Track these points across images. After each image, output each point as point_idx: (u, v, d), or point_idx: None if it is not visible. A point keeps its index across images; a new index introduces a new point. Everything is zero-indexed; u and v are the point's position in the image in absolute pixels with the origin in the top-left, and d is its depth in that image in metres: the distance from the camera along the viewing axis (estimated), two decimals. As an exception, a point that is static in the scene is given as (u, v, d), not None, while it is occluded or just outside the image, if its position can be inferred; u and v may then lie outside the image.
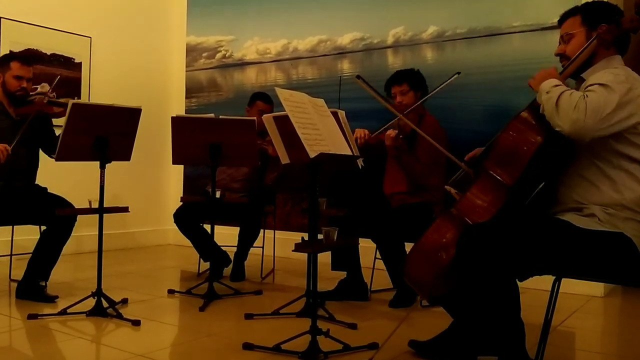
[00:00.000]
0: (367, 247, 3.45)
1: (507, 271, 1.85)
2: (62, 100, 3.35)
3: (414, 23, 4.57)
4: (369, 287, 3.59)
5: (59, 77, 3.47)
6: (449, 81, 3.31)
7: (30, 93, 3.39)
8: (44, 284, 3.36)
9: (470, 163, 2.27)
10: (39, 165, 3.56)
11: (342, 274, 3.54)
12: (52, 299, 3.26)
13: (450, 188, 2.23)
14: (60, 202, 3.34)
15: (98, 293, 3.01)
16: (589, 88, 1.87)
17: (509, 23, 4.14)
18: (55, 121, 3.52)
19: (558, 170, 2.05)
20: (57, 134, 3.49)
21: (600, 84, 1.85)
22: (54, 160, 3.05)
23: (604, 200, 1.93)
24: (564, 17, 2.14)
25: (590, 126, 1.79)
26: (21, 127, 3.21)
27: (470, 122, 3.82)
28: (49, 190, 3.48)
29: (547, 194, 2.10)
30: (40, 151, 3.55)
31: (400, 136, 3.29)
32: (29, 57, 3.49)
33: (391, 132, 3.29)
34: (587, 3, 2.13)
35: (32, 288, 3.28)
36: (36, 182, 3.53)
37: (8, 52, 4.43)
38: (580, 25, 2.06)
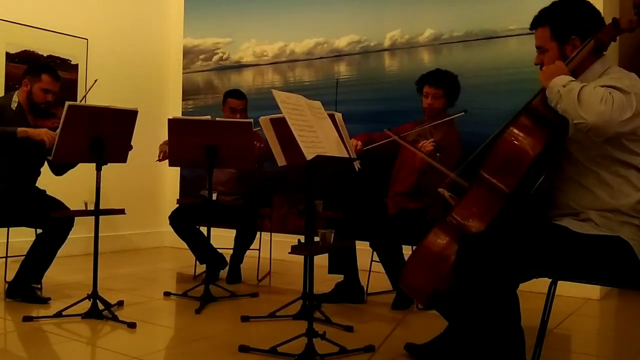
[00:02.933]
0: (363, 250, 3.45)
1: (508, 280, 1.83)
2: None
3: (410, 26, 4.58)
4: (365, 290, 3.59)
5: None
6: (455, 116, 3.33)
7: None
8: (38, 286, 3.35)
9: (464, 170, 2.22)
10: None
11: (339, 277, 3.54)
12: (45, 301, 3.25)
13: (444, 191, 2.21)
14: (56, 205, 3.33)
15: (94, 295, 3.00)
16: (605, 87, 1.81)
17: (505, 26, 4.15)
18: None
19: (554, 173, 2.04)
20: None
21: (617, 87, 1.80)
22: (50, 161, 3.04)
23: (600, 206, 1.92)
24: (533, 24, 2.08)
25: (615, 122, 1.74)
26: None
27: (467, 124, 3.81)
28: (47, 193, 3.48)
29: (544, 197, 2.08)
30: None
31: (438, 154, 3.08)
32: (58, 72, 3.49)
33: (429, 145, 3.11)
34: (555, 9, 2.03)
35: (23, 289, 3.27)
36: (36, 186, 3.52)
37: (4, 54, 4.41)
38: (551, 41, 2.01)
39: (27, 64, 4.08)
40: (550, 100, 1.90)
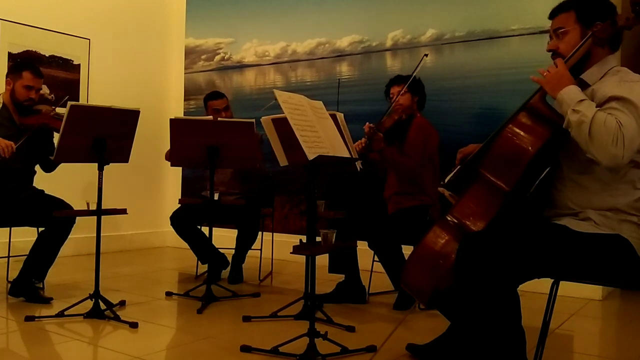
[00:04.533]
0: (365, 250, 3.45)
1: (508, 279, 1.82)
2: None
3: (412, 26, 4.58)
4: (367, 290, 3.59)
5: (67, 97, 3.46)
6: (419, 65, 3.40)
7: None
8: (41, 285, 3.35)
9: (464, 164, 2.22)
10: (38, 168, 3.55)
11: (341, 277, 3.54)
12: (47, 300, 3.26)
13: (444, 190, 2.20)
14: (58, 204, 3.34)
15: (96, 295, 3.01)
16: (614, 106, 1.79)
17: (507, 26, 4.15)
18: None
19: (552, 172, 2.03)
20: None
21: (625, 100, 1.78)
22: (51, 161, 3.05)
23: (599, 205, 1.91)
24: (556, 11, 2.06)
25: (627, 158, 1.76)
26: (24, 135, 3.21)
27: (467, 125, 3.82)
28: (46, 192, 3.48)
29: (543, 197, 2.08)
30: None
31: (375, 126, 3.30)
32: (39, 68, 3.49)
33: (367, 125, 3.32)
34: None
35: (26, 287, 3.28)
36: (33, 185, 3.52)
37: (6, 54, 4.42)
38: (575, 23, 1.99)
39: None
40: (559, 111, 1.90)
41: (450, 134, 3.86)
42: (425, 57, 3.39)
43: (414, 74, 3.42)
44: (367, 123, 3.33)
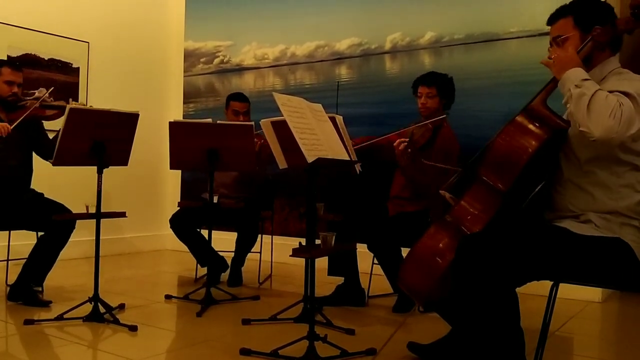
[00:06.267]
0: (365, 253, 3.45)
1: (507, 280, 1.82)
2: (55, 103, 3.35)
3: (411, 29, 4.58)
4: (366, 293, 3.58)
5: (52, 88, 3.46)
6: (434, 120, 3.33)
7: (26, 98, 3.40)
8: (40, 289, 3.35)
9: (465, 166, 2.22)
10: (36, 171, 3.55)
11: (340, 279, 3.54)
12: (46, 304, 3.25)
13: (445, 192, 2.21)
14: (58, 208, 3.34)
15: (95, 298, 3.00)
16: (617, 94, 1.79)
17: (506, 28, 4.15)
18: (49, 124, 3.51)
19: (552, 174, 2.04)
20: (50, 137, 3.49)
21: (626, 93, 1.78)
22: (50, 165, 3.04)
23: (599, 208, 1.91)
24: (554, 18, 2.06)
25: (620, 135, 1.74)
26: (14, 132, 3.21)
27: (467, 127, 3.81)
28: (46, 196, 3.48)
29: (543, 199, 2.08)
30: (35, 157, 3.53)
31: (409, 149, 3.15)
32: (19, 62, 3.49)
33: (400, 145, 3.15)
34: (578, 2, 2.04)
35: (25, 291, 3.27)
36: (31, 188, 3.51)
37: (5, 57, 4.43)
38: (573, 28, 2.00)
39: (28, 67, 4.10)
40: (562, 92, 1.89)
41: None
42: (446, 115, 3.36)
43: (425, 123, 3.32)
44: (400, 140, 3.15)
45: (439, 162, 3.21)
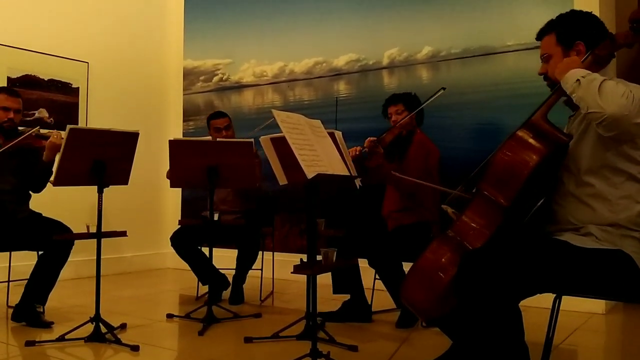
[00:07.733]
0: (367, 268, 3.44)
1: (509, 295, 1.81)
2: (48, 133, 3.34)
3: (408, 44, 4.61)
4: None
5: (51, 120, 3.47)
6: (434, 97, 3.41)
7: (26, 119, 3.39)
8: (41, 309, 3.33)
9: (467, 180, 2.23)
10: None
11: (344, 296, 3.52)
12: (48, 325, 3.24)
13: (447, 207, 2.20)
14: (56, 226, 3.33)
15: (96, 318, 2.99)
16: (625, 84, 1.80)
17: (503, 42, 4.18)
18: None
19: (553, 188, 2.04)
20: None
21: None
22: (50, 185, 3.04)
23: (600, 220, 1.91)
24: (539, 35, 2.11)
25: (632, 116, 1.73)
26: (8, 158, 3.21)
27: (465, 140, 3.83)
28: (45, 215, 3.47)
29: (544, 212, 2.08)
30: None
31: (376, 140, 3.34)
32: (19, 84, 3.50)
33: (370, 142, 3.34)
34: (561, 17, 2.07)
35: (29, 312, 3.26)
36: (30, 208, 3.51)
37: (5, 78, 4.45)
38: (556, 46, 2.03)
39: (28, 88, 4.11)
40: (565, 88, 1.89)
41: (448, 150, 3.87)
42: (442, 90, 3.42)
43: (426, 104, 3.47)
44: (369, 137, 3.34)
45: (420, 164, 3.41)
